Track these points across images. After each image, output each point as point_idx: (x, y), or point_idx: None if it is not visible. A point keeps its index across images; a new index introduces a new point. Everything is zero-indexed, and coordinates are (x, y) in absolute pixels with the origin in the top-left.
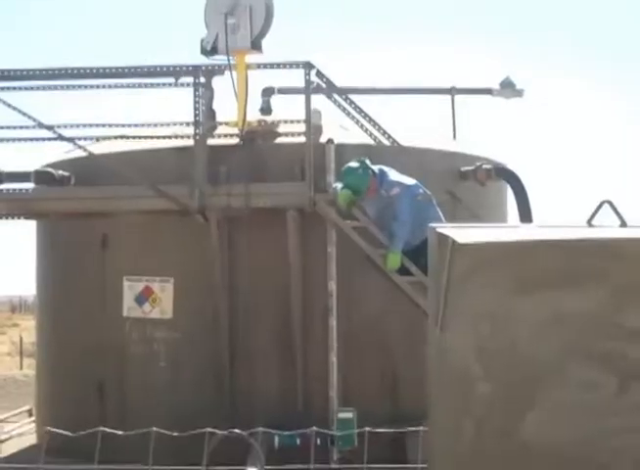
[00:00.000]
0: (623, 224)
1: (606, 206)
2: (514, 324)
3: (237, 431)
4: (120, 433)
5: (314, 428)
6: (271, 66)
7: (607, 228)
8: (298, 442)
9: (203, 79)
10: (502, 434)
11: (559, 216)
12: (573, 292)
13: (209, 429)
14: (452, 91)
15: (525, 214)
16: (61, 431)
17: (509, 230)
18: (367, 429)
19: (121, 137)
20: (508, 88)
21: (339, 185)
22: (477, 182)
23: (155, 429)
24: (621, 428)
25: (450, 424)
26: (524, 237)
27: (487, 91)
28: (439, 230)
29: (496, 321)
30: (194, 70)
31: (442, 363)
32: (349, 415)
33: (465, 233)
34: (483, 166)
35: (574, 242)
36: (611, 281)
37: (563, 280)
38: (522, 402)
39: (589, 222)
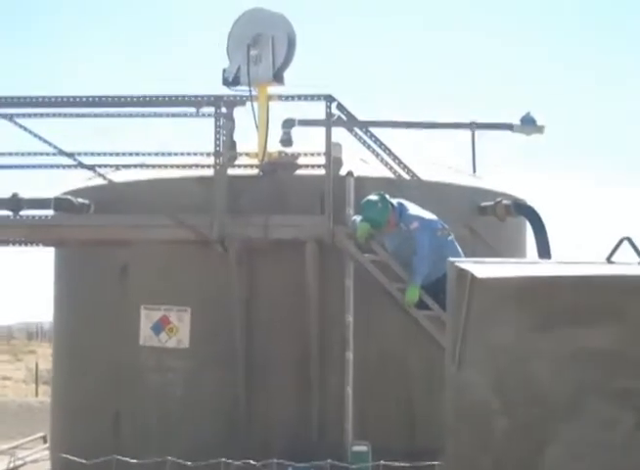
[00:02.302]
0: None
1: (626, 242)
2: (532, 360)
3: (251, 462)
4: (135, 461)
5: (329, 460)
6: (292, 98)
7: (626, 265)
8: None
9: (224, 110)
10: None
11: (579, 253)
12: (592, 328)
13: (224, 459)
14: (472, 126)
15: (544, 251)
16: (75, 458)
17: (528, 266)
18: (382, 462)
19: (142, 166)
20: (529, 124)
21: (358, 218)
22: (496, 218)
23: (169, 458)
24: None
25: (468, 459)
26: (543, 273)
27: (508, 127)
28: (459, 265)
29: (515, 356)
30: (215, 101)
31: (460, 398)
32: (364, 448)
33: (484, 268)
34: (503, 202)
35: (594, 278)
36: (629, 318)
37: (582, 316)
38: (540, 438)
39: (609, 259)
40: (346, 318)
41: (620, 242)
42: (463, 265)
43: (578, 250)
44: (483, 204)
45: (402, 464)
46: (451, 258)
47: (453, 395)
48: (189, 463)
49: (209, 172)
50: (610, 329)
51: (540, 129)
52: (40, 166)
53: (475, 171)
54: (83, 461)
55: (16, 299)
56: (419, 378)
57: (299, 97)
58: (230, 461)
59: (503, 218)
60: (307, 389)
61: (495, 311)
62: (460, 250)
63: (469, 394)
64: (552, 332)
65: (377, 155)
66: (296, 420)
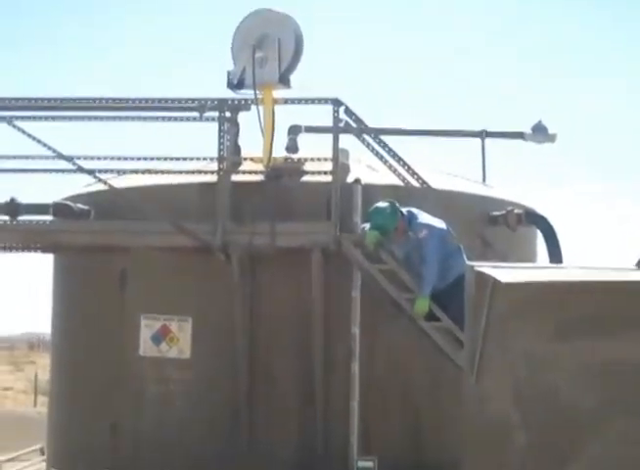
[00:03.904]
0: None
1: None
2: (554, 370)
3: None
4: None
5: None
6: (299, 101)
7: None
8: None
9: (228, 114)
10: None
11: (592, 263)
12: (618, 337)
13: None
14: (483, 135)
15: (557, 261)
16: None
17: (553, 270)
18: None
19: (143, 171)
20: (540, 133)
21: (367, 225)
22: (507, 227)
23: None
24: None
25: None
26: (569, 277)
27: (519, 135)
28: (479, 269)
29: (535, 366)
30: (219, 105)
31: (478, 411)
32: (369, 464)
33: (506, 272)
34: (514, 211)
35: (622, 284)
36: None
37: (608, 324)
38: (561, 454)
39: (638, 265)
40: (352, 330)
41: None
42: (484, 269)
43: (593, 260)
44: (494, 213)
45: None
46: (469, 263)
47: (471, 407)
48: None
49: (213, 178)
50: (637, 340)
51: (552, 138)
52: (39, 171)
53: (485, 180)
54: None
55: (20, 309)
56: (426, 391)
57: (306, 100)
58: None
59: (514, 228)
60: (311, 401)
61: (517, 318)
62: (466, 260)
63: (487, 406)
64: (576, 340)
65: (385, 162)
66: (300, 433)
